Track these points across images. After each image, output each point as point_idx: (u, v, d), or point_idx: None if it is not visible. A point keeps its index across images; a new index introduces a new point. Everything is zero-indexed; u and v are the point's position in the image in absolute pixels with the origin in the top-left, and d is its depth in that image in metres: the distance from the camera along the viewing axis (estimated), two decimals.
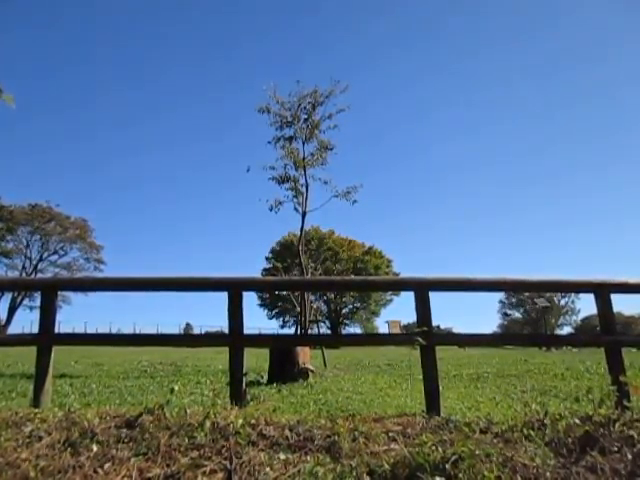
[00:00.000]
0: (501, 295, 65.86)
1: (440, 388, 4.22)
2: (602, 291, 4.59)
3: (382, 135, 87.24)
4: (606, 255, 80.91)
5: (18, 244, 44.51)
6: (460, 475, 2.26)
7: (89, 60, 78.51)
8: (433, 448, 2.54)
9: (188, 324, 57.79)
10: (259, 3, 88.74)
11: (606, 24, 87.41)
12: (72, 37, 77.55)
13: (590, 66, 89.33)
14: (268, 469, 2.39)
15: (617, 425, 2.87)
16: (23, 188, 70.25)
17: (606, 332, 4.53)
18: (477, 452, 2.43)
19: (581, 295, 53.85)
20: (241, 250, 78.47)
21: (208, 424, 2.77)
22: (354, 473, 2.34)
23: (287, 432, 2.86)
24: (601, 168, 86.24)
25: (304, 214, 13.34)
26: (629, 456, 2.53)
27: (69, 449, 2.55)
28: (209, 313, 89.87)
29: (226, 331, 4.46)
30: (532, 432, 2.80)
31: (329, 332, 47.34)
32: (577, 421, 2.88)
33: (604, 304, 4.58)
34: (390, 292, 47.13)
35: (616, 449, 2.63)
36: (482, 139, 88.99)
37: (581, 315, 64.48)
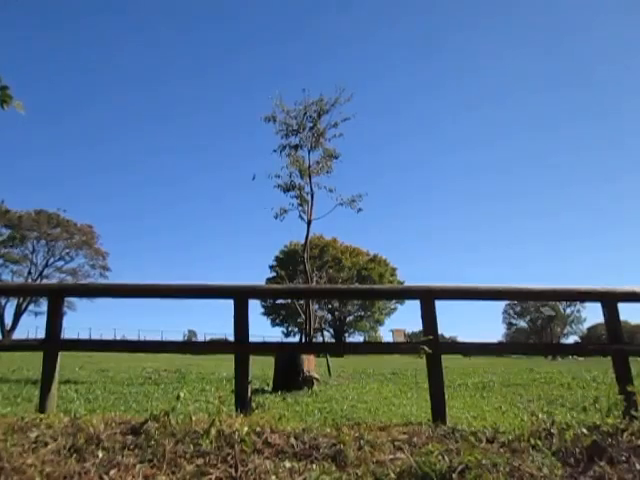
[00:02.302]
0: (505, 304, 65.49)
1: (445, 397, 4.21)
2: (609, 300, 4.57)
3: (387, 143, 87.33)
4: (614, 264, 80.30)
5: (24, 250, 44.76)
6: None
7: (91, 66, 78.87)
8: (439, 457, 2.52)
9: (191, 331, 57.77)
10: (263, 12, 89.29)
11: (610, 39, 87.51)
12: (74, 43, 77.97)
13: (595, 79, 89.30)
14: (274, 477, 2.38)
15: (625, 435, 2.84)
16: (26, 193, 70.07)
17: (613, 341, 4.50)
18: (484, 462, 2.42)
19: (587, 304, 53.56)
20: (246, 258, 78.48)
21: (213, 431, 2.76)
22: None
23: (292, 440, 2.85)
24: (611, 177, 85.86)
25: (309, 222, 13.35)
26: (637, 466, 2.50)
27: (75, 455, 2.55)
28: (212, 320, 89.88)
29: (231, 338, 4.46)
30: (539, 442, 2.78)
31: (333, 340, 47.16)
32: (584, 431, 2.85)
33: (611, 313, 4.55)
34: (395, 301, 46.97)
35: (624, 459, 2.61)
36: (488, 149, 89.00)
37: (587, 324, 64.05)
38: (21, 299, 42.04)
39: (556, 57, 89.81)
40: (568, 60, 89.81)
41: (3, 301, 42.66)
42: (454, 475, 2.31)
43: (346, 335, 51.40)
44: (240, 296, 4.47)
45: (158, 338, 39.03)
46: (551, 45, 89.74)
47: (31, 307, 43.86)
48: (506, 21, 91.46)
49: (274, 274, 46.29)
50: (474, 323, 79.25)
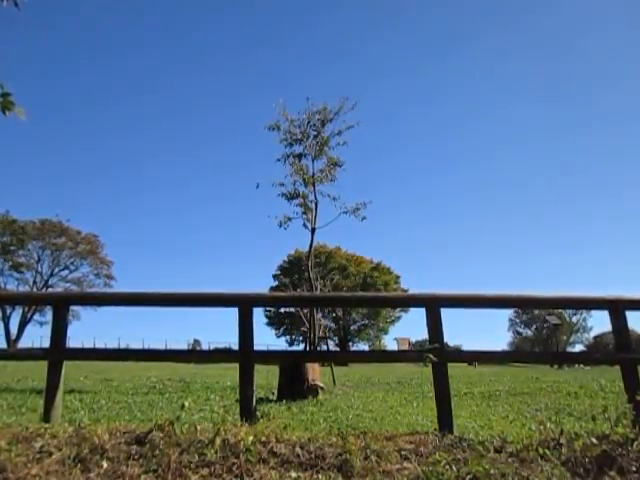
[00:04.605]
0: (511, 313, 65.25)
1: (452, 406, 4.17)
2: (617, 307, 4.53)
3: (389, 152, 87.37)
4: (622, 273, 79.62)
5: (29, 259, 44.91)
6: None
7: (90, 69, 78.59)
8: (447, 467, 2.50)
9: (196, 340, 57.67)
10: (265, 14, 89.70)
11: (619, 51, 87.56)
12: (73, 43, 77.51)
13: (609, 84, 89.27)
14: None
15: (635, 444, 2.80)
16: (27, 198, 69.49)
17: (621, 349, 4.46)
18: (492, 472, 2.39)
19: (593, 312, 53.36)
20: (250, 266, 78.15)
21: (218, 441, 2.74)
22: None
23: (298, 450, 2.83)
24: (619, 187, 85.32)
25: (313, 230, 13.36)
26: None
27: (79, 465, 2.53)
28: (216, 329, 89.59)
29: (235, 347, 4.45)
30: (548, 451, 2.74)
31: (338, 349, 47.05)
32: (594, 440, 2.82)
33: (619, 321, 4.51)
34: (399, 309, 46.87)
35: (634, 469, 2.58)
36: (492, 157, 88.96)
37: (593, 332, 63.66)
38: (26, 309, 42.13)
39: (564, 63, 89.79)
40: (576, 66, 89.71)
41: (9, 310, 42.83)
42: None
43: (350, 344, 51.26)
44: (244, 304, 4.46)
45: (162, 347, 39.12)
46: (558, 51, 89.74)
47: (36, 317, 43.98)
48: (513, 27, 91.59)
49: (278, 283, 46.37)
50: (478, 332, 78.73)
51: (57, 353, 4.40)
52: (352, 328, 51.77)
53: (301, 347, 46.24)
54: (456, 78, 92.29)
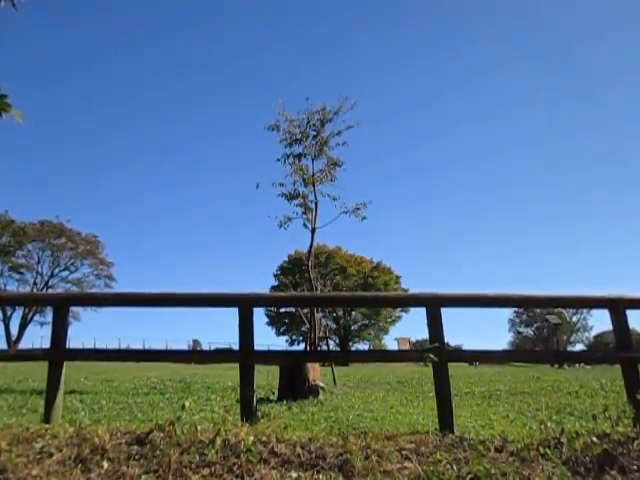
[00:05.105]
0: (511, 313, 65.32)
1: (453, 405, 4.17)
2: (617, 306, 4.53)
3: (389, 152, 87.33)
4: (622, 273, 79.51)
5: (29, 260, 44.88)
6: None
7: (90, 69, 78.75)
8: (448, 467, 2.50)
9: (196, 340, 57.64)
10: (265, 14, 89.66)
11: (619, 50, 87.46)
12: (72, 44, 77.79)
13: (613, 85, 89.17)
14: None
15: (636, 443, 2.80)
16: (26, 199, 69.27)
17: (622, 349, 4.46)
18: (493, 471, 2.39)
19: (593, 311, 53.44)
20: (250, 267, 78.08)
21: (219, 441, 2.74)
22: None
23: (299, 450, 2.83)
24: (619, 186, 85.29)
25: (313, 230, 13.35)
26: None
27: (80, 465, 2.53)
28: (216, 329, 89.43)
29: (235, 347, 4.45)
30: (549, 451, 2.74)
31: (339, 349, 47.03)
32: (595, 439, 2.82)
33: (619, 320, 4.51)
34: (399, 309, 46.84)
35: (635, 468, 2.58)
36: (492, 158, 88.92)
37: (593, 332, 63.70)
38: (27, 309, 42.10)
39: (563, 63, 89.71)
40: (576, 65, 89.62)
41: (9, 311, 42.81)
42: None
43: (351, 344, 51.24)
44: (244, 304, 4.46)
45: (162, 347, 39.08)
46: (558, 51, 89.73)
47: (36, 317, 43.96)
48: (513, 27, 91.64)
49: (278, 282, 46.33)
50: (479, 332, 78.63)
51: (57, 354, 4.40)
52: (352, 328, 51.75)
53: (301, 347, 46.25)
54: (456, 78, 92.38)
